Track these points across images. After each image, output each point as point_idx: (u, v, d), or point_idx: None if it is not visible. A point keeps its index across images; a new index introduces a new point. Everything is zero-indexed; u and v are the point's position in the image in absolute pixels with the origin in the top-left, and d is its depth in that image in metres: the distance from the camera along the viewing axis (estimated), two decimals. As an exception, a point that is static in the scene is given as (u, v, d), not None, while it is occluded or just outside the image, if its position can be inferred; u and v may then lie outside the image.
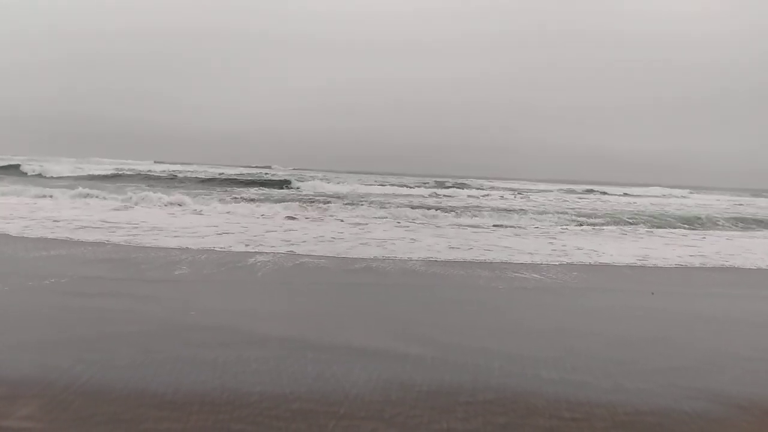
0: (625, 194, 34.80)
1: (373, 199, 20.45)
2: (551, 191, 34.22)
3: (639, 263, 8.39)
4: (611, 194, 34.25)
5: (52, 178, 25.93)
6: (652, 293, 6.19)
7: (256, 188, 24.52)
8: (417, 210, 15.42)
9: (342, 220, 12.83)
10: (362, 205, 16.76)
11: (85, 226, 9.75)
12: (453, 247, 9.07)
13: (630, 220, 15.52)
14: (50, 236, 8.58)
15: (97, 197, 15.36)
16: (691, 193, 41.53)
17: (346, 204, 16.83)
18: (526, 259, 8.26)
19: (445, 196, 26.01)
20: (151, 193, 15.28)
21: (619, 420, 2.86)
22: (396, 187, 29.92)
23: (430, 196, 26.04)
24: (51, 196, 15.11)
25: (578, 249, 9.43)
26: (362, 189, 27.81)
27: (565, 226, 13.66)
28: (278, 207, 14.76)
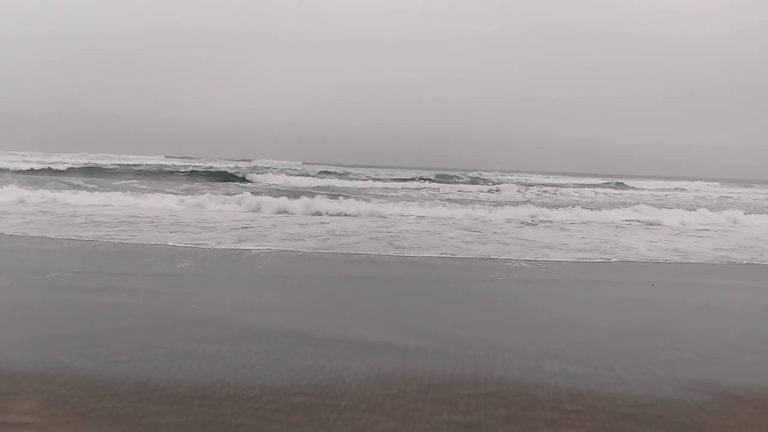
0: (676, 189, 34.02)
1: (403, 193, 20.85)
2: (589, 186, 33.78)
3: None
4: (647, 189, 33.68)
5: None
6: (653, 285, 6.19)
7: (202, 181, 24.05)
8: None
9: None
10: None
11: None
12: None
13: None
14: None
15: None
16: (720, 186, 41.07)
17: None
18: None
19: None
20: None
21: (620, 412, 2.86)
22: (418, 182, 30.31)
23: (427, 188, 26.28)
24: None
25: None
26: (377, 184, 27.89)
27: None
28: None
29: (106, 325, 4.01)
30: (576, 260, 7.77)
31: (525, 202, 19.27)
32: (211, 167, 33.35)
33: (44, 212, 11.08)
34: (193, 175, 26.90)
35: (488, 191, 26.50)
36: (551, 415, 2.80)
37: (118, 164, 32.78)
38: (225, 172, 28.73)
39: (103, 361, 3.27)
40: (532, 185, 32.56)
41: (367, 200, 16.02)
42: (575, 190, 29.76)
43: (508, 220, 12.66)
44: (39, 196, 13.47)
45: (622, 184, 36.98)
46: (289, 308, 4.80)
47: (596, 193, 28.24)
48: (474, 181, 35.13)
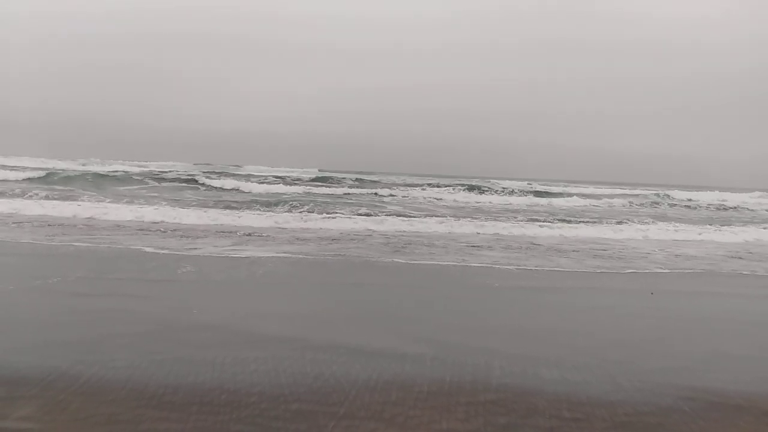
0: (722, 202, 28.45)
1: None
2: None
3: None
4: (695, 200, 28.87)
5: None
6: (652, 293, 6.20)
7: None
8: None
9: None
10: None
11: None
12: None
13: None
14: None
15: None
16: (761, 197, 37.32)
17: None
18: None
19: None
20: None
21: (619, 420, 2.86)
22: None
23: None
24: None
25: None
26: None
27: None
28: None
29: (106, 330, 4.01)
30: (577, 270, 7.77)
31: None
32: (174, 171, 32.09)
33: None
34: (147, 179, 25.99)
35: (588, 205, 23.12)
36: (550, 423, 2.80)
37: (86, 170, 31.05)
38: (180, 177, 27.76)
39: (102, 367, 3.27)
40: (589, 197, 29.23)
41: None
42: (626, 202, 26.00)
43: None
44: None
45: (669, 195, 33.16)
46: (288, 314, 4.80)
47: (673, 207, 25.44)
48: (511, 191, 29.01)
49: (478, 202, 22.94)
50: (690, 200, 29.17)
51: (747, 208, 25.49)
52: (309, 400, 2.95)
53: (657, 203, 26.51)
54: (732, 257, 9.53)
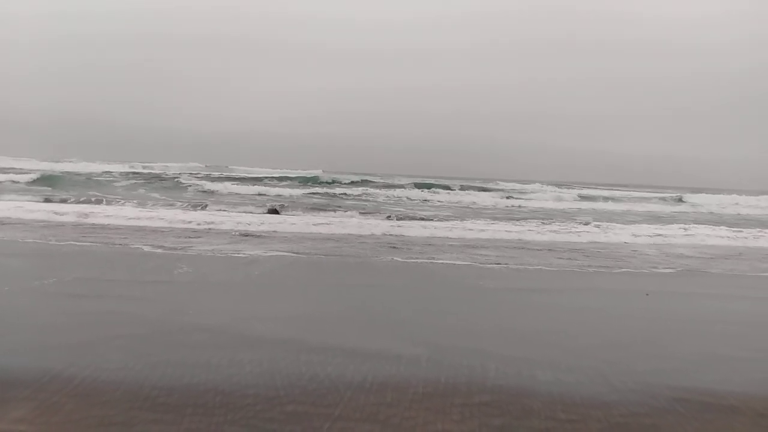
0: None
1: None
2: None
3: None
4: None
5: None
6: (647, 294, 6.21)
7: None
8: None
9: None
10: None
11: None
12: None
13: None
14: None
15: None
16: None
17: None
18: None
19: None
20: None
21: (615, 421, 2.86)
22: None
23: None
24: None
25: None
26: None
27: None
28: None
29: (100, 332, 3.99)
30: (570, 269, 7.78)
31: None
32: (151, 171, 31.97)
33: None
34: (146, 179, 26.01)
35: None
36: (546, 425, 2.80)
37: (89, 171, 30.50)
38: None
39: (95, 369, 3.25)
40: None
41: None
42: (629, 206, 25.38)
43: None
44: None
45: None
46: (283, 315, 4.79)
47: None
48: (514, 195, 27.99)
49: (475, 203, 23.09)
50: (698, 204, 28.92)
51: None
52: (304, 401, 2.95)
53: (666, 213, 26.24)
54: (726, 258, 9.56)
